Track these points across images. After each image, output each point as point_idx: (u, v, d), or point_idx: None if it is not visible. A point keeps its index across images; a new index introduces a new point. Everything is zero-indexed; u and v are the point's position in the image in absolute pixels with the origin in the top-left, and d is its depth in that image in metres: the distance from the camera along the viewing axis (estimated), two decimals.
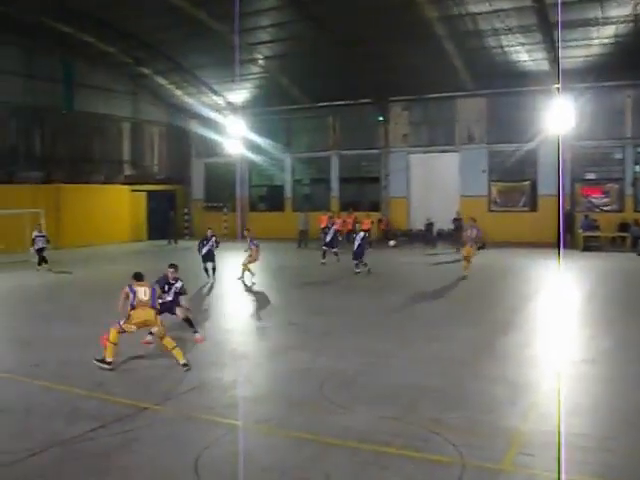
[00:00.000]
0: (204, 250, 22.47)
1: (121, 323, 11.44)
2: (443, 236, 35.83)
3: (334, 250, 27.71)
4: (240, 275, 22.45)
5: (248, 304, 19.22)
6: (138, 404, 9.53)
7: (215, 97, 41.31)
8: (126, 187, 40.89)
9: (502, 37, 30.58)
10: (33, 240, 26.33)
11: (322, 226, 35.30)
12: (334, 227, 28.48)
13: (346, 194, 40.50)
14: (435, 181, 37.44)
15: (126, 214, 40.26)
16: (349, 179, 40.62)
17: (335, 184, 40.67)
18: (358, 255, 24.38)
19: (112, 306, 12.19)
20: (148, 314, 11.52)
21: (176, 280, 13.23)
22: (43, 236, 26.58)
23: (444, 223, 35.46)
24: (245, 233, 25.25)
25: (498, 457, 7.64)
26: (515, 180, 35.92)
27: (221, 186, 44.07)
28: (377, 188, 39.33)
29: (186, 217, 44.21)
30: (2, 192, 32.40)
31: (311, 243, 34.81)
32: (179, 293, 13.26)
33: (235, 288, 21.69)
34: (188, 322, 13.44)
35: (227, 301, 20.12)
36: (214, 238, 22.84)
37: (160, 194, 43.09)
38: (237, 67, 36.18)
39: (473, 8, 28.78)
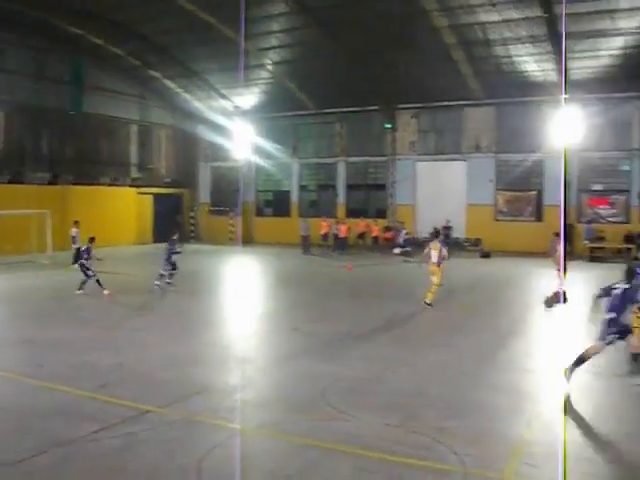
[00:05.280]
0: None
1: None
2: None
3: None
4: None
5: (252, 309, 19.20)
6: (142, 406, 9.52)
7: (223, 101, 41.43)
8: (133, 190, 41.03)
9: (511, 47, 30.63)
10: (73, 238, 26.90)
11: (322, 232, 35.85)
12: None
13: (353, 201, 40.55)
14: (442, 189, 37.43)
15: (132, 217, 40.31)
16: (356, 186, 40.69)
17: (342, 191, 40.71)
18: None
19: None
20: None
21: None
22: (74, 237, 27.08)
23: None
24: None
25: (500, 467, 7.62)
26: (521, 190, 35.89)
27: (227, 190, 44.14)
28: (384, 195, 39.37)
29: (192, 221, 44.29)
30: (9, 192, 32.52)
31: (314, 249, 34.97)
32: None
33: (237, 293, 21.67)
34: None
35: (231, 306, 20.14)
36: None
37: (166, 197, 43.24)
38: (244, 72, 36.32)
39: (483, 17, 28.84)
